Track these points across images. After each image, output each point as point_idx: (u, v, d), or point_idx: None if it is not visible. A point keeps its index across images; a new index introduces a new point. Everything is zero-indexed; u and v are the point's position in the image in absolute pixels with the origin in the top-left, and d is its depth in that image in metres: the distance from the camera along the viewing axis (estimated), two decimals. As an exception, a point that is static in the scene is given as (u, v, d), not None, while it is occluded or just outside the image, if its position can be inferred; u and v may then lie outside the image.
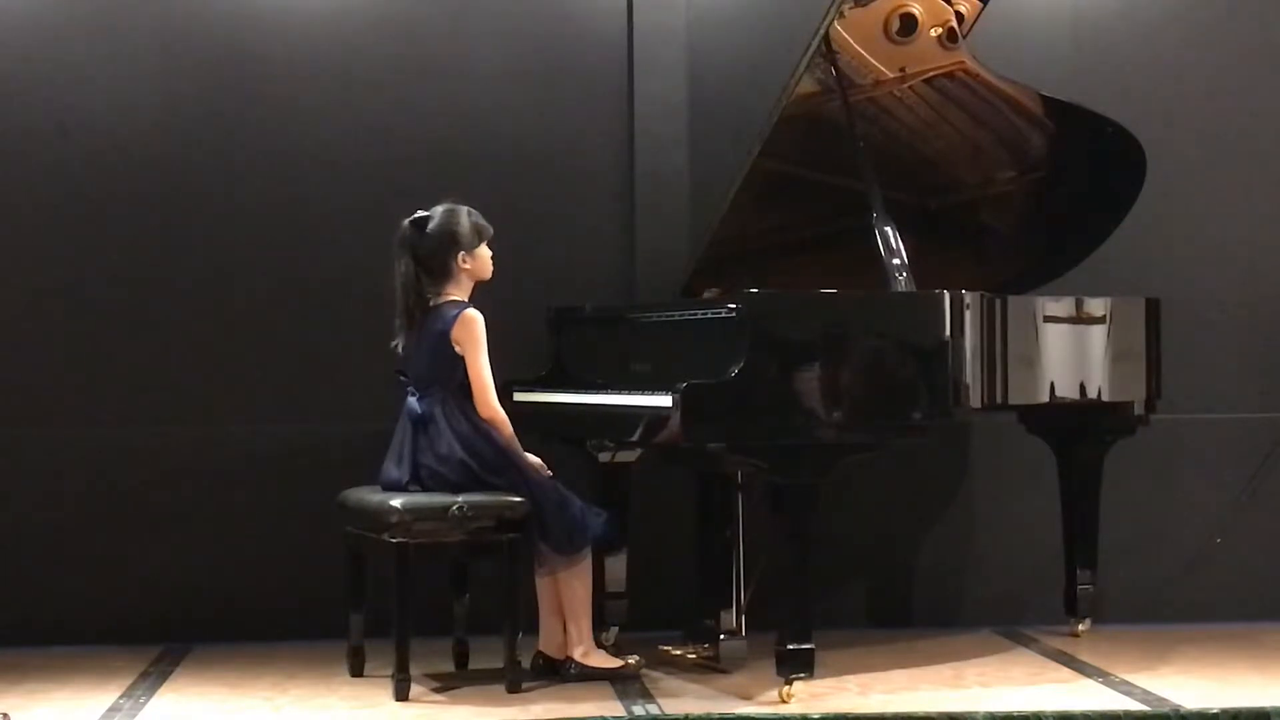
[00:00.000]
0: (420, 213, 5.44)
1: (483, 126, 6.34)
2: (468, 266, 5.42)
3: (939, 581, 6.52)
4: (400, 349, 5.45)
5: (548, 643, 5.53)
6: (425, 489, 5.30)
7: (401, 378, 5.45)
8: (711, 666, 5.56)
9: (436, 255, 5.39)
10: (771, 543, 5.26)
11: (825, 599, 6.09)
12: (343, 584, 5.54)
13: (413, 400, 5.39)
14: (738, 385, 5.00)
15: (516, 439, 5.39)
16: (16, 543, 6.10)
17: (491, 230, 5.48)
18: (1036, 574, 6.37)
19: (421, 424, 5.35)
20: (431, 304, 5.39)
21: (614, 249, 6.40)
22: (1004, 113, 5.89)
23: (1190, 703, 5.14)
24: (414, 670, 5.28)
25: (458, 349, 5.34)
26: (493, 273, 5.49)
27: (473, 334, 5.33)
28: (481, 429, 5.34)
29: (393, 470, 5.38)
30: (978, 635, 6.25)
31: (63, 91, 6.17)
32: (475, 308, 5.37)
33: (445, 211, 5.44)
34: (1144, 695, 5.30)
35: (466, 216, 5.44)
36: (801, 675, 5.16)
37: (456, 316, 5.33)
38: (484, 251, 5.46)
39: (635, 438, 5.33)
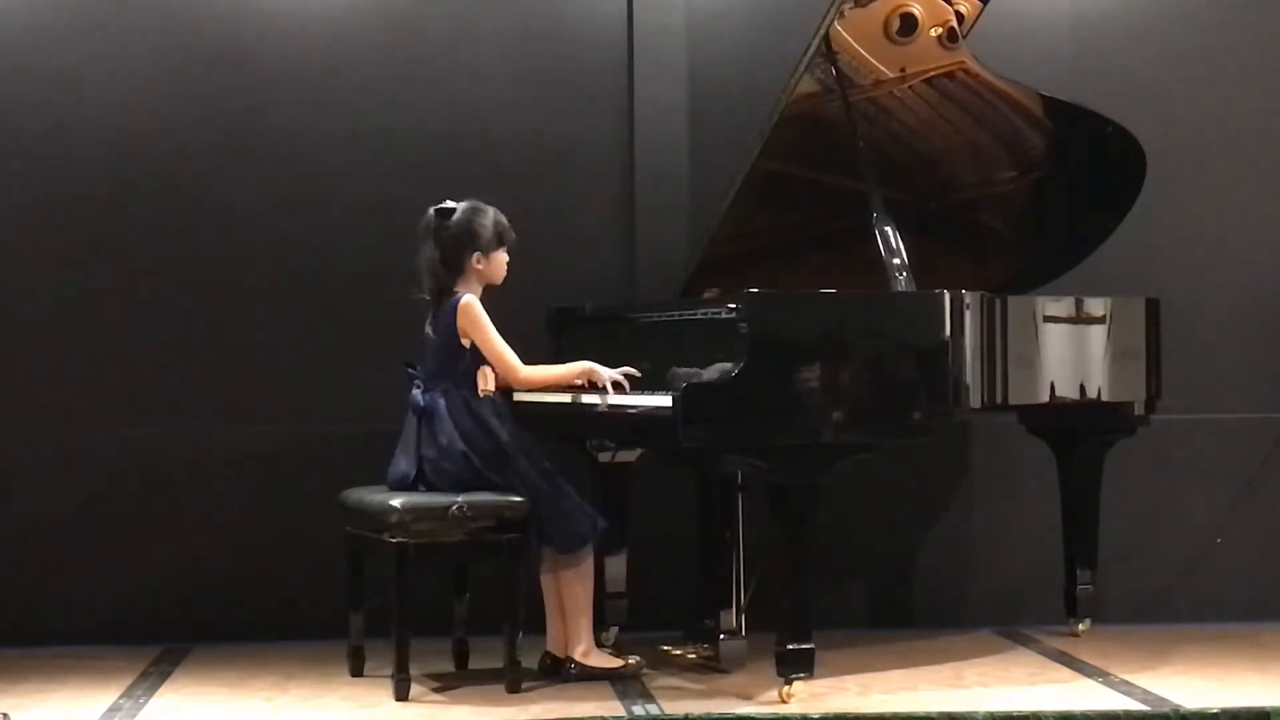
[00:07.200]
0: (447, 203, 5.44)
1: (483, 126, 6.34)
2: (480, 267, 5.42)
3: (939, 581, 6.52)
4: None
5: (554, 642, 5.52)
6: (428, 482, 5.31)
7: (409, 370, 5.45)
8: (711, 666, 5.56)
9: (452, 249, 5.39)
10: (771, 543, 5.26)
11: (825, 599, 6.09)
12: (343, 584, 5.53)
13: (416, 393, 5.39)
14: (738, 385, 5.00)
15: (565, 369, 5.41)
16: (17, 543, 6.10)
17: (514, 236, 5.47)
18: (1036, 574, 6.37)
19: (425, 416, 5.36)
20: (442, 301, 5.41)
21: (614, 249, 6.41)
22: (1004, 113, 5.89)
23: (1190, 703, 5.14)
24: (414, 670, 5.28)
25: (465, 341, 5.34)
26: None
27: (473, 318, 5.33)
28: (483, 423, 5.34)
29: (401, 463, 5.39)
30: (978, 635, 6.25)
31: (63, 91, 6.17)
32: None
33: (470, 208, 5.43)
34: (1144, 695, 5.30)
35: (490, 218, 5.43)
36: (801, 675, 5.15)
37: (455, 311, 5.34)
38: (501, 256, 5.45)
39: (635, 438, 5.32)
